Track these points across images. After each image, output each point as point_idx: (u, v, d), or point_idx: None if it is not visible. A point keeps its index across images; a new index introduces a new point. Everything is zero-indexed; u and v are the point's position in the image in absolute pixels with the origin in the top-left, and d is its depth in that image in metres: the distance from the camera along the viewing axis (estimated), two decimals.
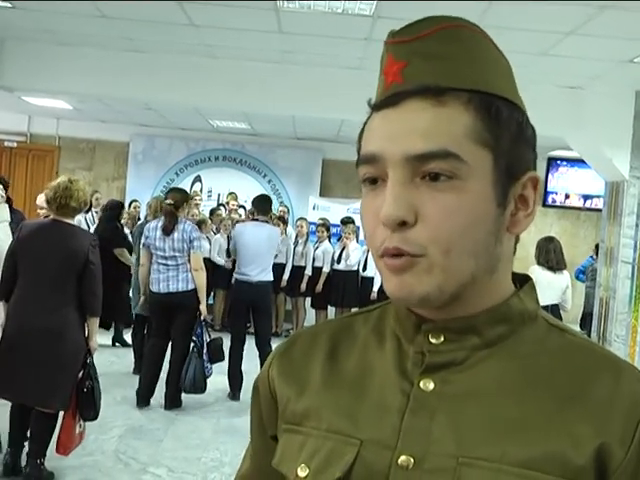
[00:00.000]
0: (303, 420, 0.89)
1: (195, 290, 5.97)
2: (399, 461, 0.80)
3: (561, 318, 6.70)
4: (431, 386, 0.83)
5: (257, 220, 6.73)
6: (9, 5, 5.18)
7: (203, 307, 6.04)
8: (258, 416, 0.99)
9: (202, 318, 6.06)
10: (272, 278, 6.78)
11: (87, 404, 4.26)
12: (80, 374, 4.23)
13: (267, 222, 6.88)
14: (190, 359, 5.92)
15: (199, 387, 5.98)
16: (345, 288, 9.40)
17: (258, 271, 6.53)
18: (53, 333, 4.08)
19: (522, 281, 0.90)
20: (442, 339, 0.84)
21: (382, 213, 0.78)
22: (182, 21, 5.22)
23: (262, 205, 6.79)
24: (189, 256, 5.92)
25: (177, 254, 5.89)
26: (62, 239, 4.18)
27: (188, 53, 6.21)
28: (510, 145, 0.81)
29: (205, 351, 6.02)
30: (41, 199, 5.86)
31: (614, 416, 0.77)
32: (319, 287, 9.52)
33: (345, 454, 0.83)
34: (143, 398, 6.06)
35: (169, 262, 5.89)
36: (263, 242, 6.55)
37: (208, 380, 6.06)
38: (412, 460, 0.79)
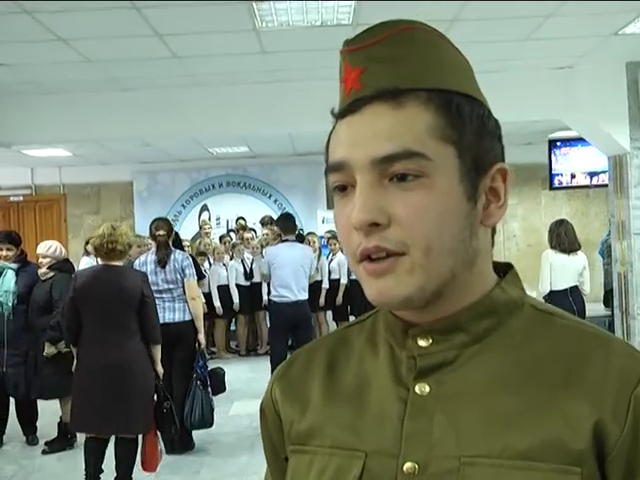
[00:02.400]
0: (308, 439, 0.89)
1: (192, 320, 5.70)
2: (404, 468, 0.80)
3: (582, 299, 6.66)
4: (427, 389, 0.82)
5: (287, 240, 6.77)
6: None
7: (202, 337, 5.74)
8: (269, 439, 0.99)
9: (202, 348, 5.73)
10: (307, 297, 6.77)
11: (168, 423, 4.68)
12: (156, 397, 4.66)
13: (299, 241, 6.95)
14: (194, 393, 5.49)
15: (207, 422, 5.57)
16: (365, 297, 9.33)
17: (296, 291, 6.57)
18: (121, 368, 4.47)
19: (506, 270, 0.89)
20: (430, 341, 0.84)
21: (353, 217, 0.78)
22: (164, 54, 5.25)
23: (287, 224, 6.83)
24: (183, 286, 5.67)
25: (171, 286, 5.64)
26: (116, 280, 4.58)
27: (175, 85, 6.25)
28: (474, 139, 0.81)
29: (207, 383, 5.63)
30: (43, 248, 5.88)
31: (607, 393, 0.77)
32: (339, 299, 9.54)
33: (352, 468, 0.83)
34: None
35: (164, 295, 5.61)
36: (297, 262, 6.61)
37: (239, 403, 5.92)
38: (416, 466, 0.79)
